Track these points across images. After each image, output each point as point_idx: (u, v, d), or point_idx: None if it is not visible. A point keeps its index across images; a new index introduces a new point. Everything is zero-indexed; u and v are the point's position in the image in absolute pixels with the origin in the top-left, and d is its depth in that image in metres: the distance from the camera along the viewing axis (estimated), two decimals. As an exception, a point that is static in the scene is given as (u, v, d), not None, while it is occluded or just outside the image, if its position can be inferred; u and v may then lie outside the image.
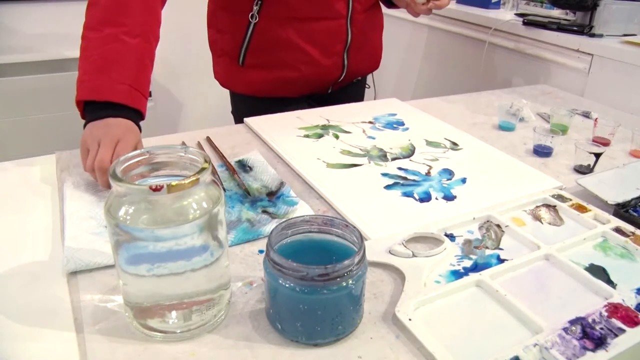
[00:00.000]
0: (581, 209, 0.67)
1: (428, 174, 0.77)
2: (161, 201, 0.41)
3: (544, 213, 0.67)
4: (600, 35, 1.34)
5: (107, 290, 0.50)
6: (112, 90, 0.71)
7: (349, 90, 1.17)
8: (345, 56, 1.05)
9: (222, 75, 1.09)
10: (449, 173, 0.77)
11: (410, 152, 0.84)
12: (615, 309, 0.49)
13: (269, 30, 0.98)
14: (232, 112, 1.16)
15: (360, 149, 0.84)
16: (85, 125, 0.71)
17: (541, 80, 1.44)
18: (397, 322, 0.47)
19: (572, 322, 0.47)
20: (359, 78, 1.18)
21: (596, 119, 0.95)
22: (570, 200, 0.69)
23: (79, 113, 0.73)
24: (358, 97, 1.21)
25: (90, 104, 0.71)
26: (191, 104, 2.28)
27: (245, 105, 1.10)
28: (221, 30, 1.04)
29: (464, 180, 0.75)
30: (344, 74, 1.07)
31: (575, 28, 1.38)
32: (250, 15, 0.96)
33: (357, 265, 0.43)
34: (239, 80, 1.06)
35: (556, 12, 1.49)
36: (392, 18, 2.08)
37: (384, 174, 0.76)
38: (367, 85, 1.24)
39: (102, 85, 0.71)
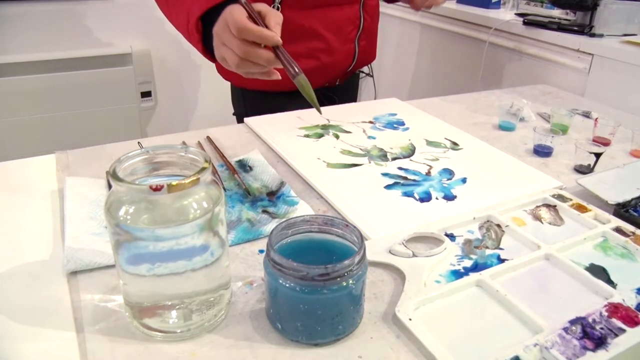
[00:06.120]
0: (581, 208, 0.67)
1: (428, 173, 0.77)
2: (161, 201, 0.41)
3: (544, 213, 0.67)
4: (601, 35, 1.34)
5: (108, 290, 0.50)
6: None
7: (348, 83, 1.18)
8: (356, 43, 1.08)
9: (237, 74, 1.08)
10: (449, 173, 0.77)
11: (410, 152, 0.84)
12: (615, 309, 0.49)
13: (293, 19, 0.95)
14: (236, 114, 1.15)
15: (361, 149, 0.84)
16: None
17: (541, 80, 1.44)
18: (397, 322, 0.47)
19: (573, 322, 0.47)
20: (359, 70, 1.19)
21: (596, 118, 0.95)
22: (571, 200, 0.69)
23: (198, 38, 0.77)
24: (355, 91, 1.24)
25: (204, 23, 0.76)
26: (191, 104, 2.28)
27: (257, 103, 1.07)
28: None
29: (464, 180, 0.75)
30: (354, 62, 1.08)
31: (575, 28, 1.38)
32: (271, 7, 0.95)
33: (358, 265, 0.43)
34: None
35: (556, 12, 1.49)
36: (395, 19, 2.08)
37: (384, 174, 0.76)
38: (369, 74, 1.24)
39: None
